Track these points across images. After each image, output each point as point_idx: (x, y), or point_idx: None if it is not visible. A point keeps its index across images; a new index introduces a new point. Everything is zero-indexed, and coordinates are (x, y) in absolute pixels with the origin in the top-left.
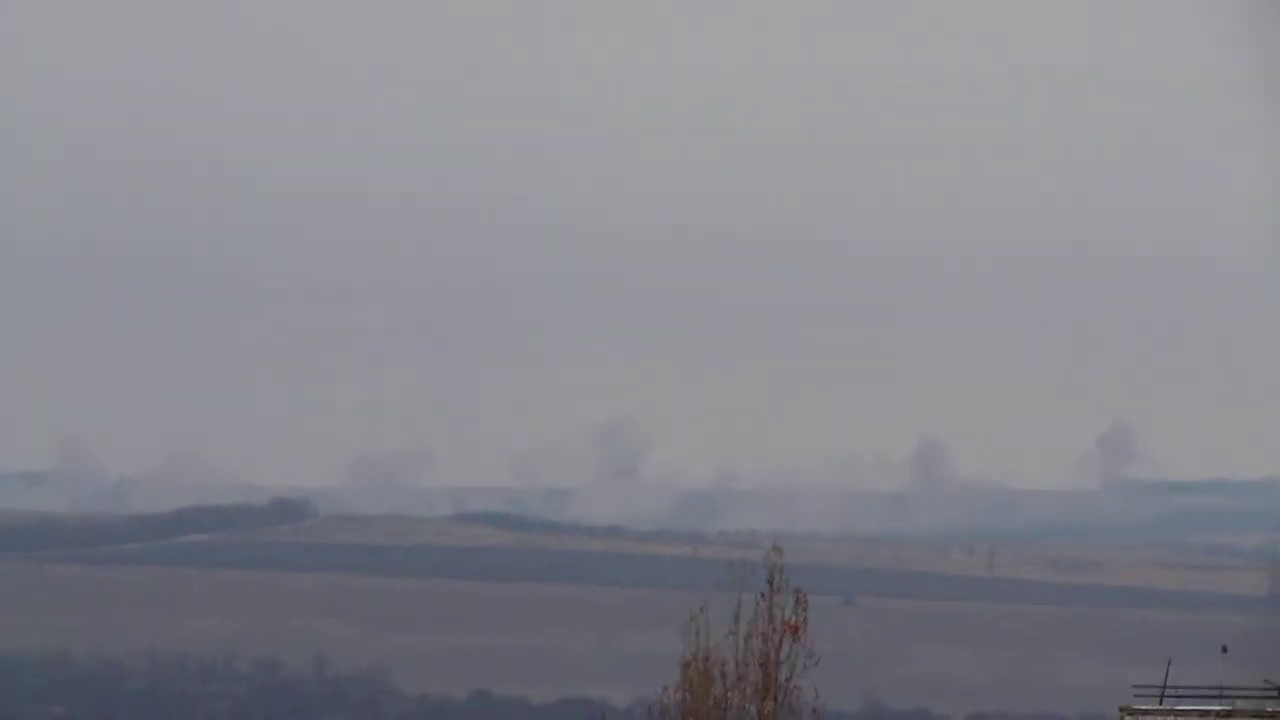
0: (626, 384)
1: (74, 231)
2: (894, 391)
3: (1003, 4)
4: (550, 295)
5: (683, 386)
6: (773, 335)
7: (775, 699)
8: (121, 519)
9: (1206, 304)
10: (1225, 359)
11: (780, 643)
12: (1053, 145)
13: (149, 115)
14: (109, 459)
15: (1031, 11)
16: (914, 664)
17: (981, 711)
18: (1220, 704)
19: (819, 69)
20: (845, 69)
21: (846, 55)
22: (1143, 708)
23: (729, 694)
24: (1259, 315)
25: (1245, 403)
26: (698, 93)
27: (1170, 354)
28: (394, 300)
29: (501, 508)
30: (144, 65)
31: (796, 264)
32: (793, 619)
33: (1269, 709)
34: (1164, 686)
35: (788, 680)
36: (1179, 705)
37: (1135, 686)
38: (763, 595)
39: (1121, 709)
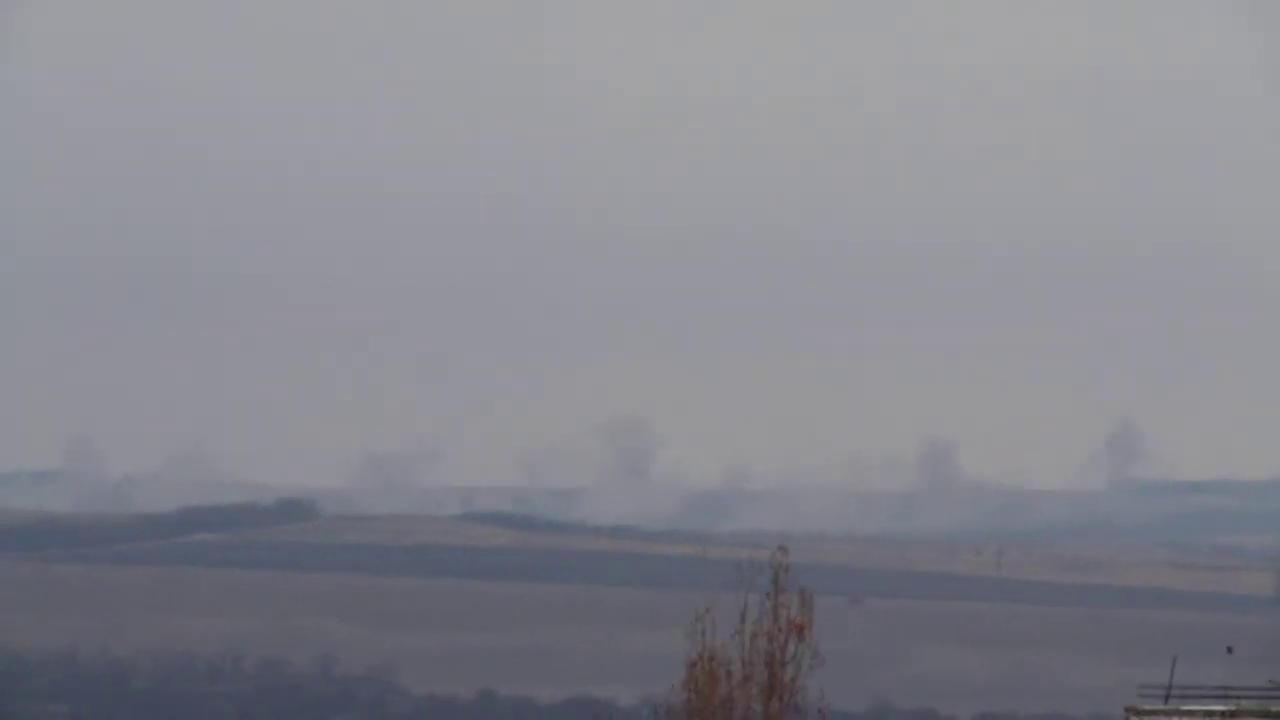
0: (636, 384)
1: (79, 232)
2: (904, 392)
3: (1005, 5)
4: (559, 295)
5: (692, 386)
6: (783, 335)
7: (781, 699)
8: (127, 518)
9: (1215, 304)
10: (1233, 359)
11: (786, 642)
12: (1063, 146)
13: (154, 115)
14: (114, 459)
15: (1034, 12)
16: (920, 664)
17: (988, 711)
18: (1225, 704)
19: (822, 70)
20: (850, 70)
21: (851, 56)
22: (1148, 708)
23: (735, 694)
24: (1267, 315)
25: (1253, 403)
26: (705, 93)
27: (1178, 354)
28: (401, 300)
29: (509, 507)
30: (144, 65)
31: (807, 265)
32: (798, 619)
33: (1274, 709)
34: (1169, 686)
35: (793, 680)
36: (1184, 705)
37: (1141, 686)
38: (768, 595)
39: (1127, 709)
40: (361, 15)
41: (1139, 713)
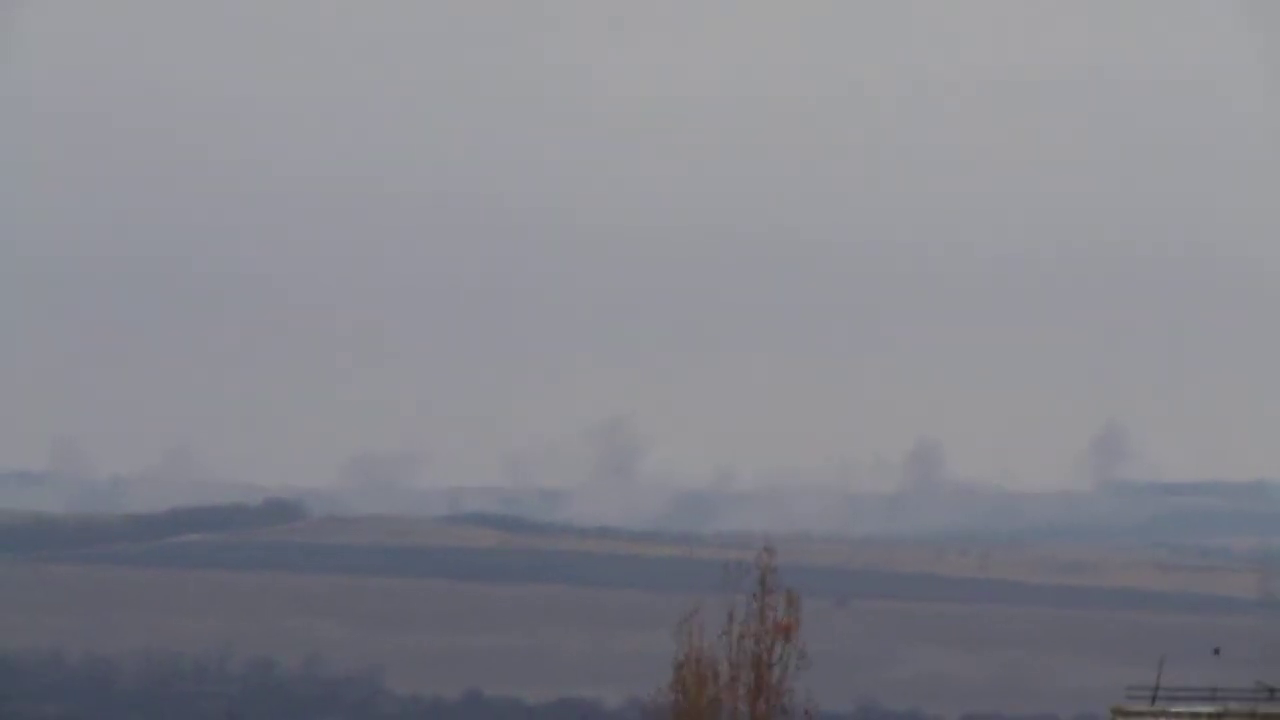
0: (623, 385)
1: (70, 232)
2: (891, 393)
3: (1006, 5)
4: (547, 295)
5: (679, 387)
6: (770, 336)
7: (768, 700)
8: (116, 519)
9: (1203, 307)
10: (1219, 360)
11: (773, 644)
12: (1056, 147)
13: (148, 115)
14: (103, 459)
15: (1034, 12)
16: (907, 665)
17: (974, 713)
18: (1212, 705)
19: (818, 70)
20: (846, 71)
21: (850, 56)
22: (1135, 709)
23: (722, 695)
24: (1255, 317)
25: (1239, 405)
26: (695, 93)
27: (1165, 356)
28: (389, 300)
29: (497, 508)
30: (144, 65)
31: (794, 264)
32: (785, 620)
33: (1261, 710)
34: (1156, 688)
35: (780, 681)
36: (1171, 707)
37: (1128, 688)
38: (755, 596)
39: (1114, 710)
40: (361, 15)
41: (1125, 714)
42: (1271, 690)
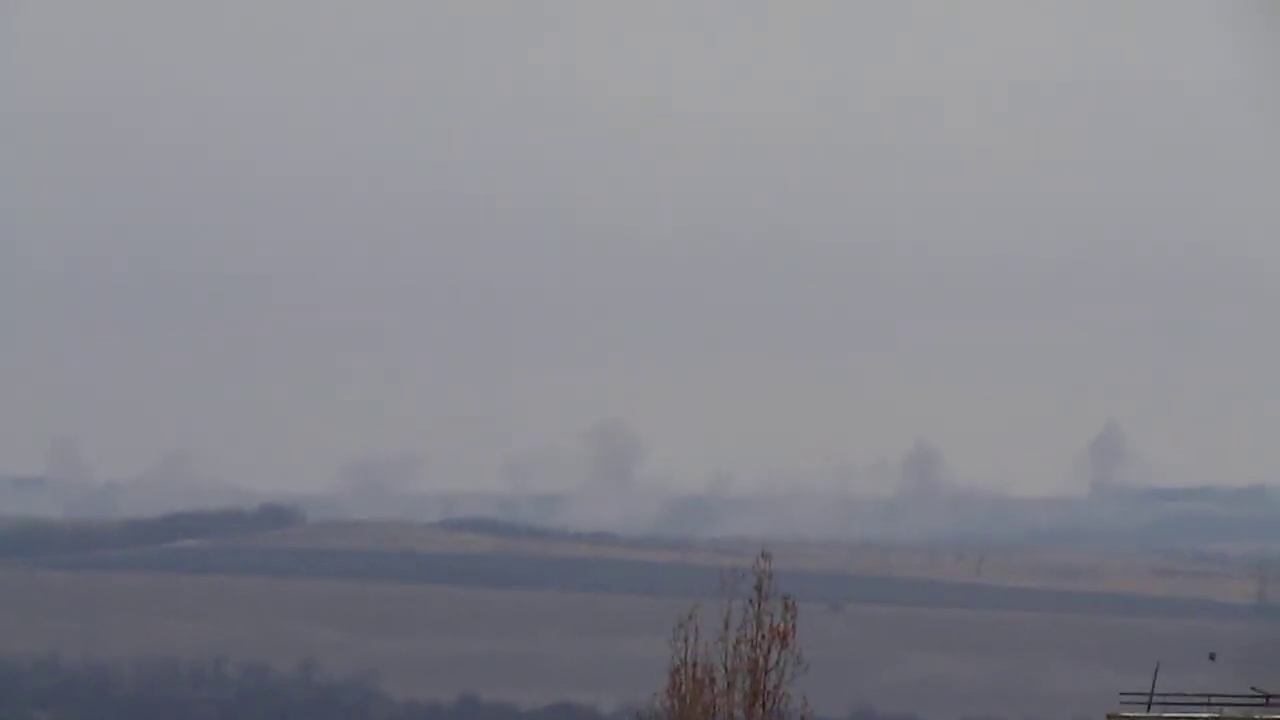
0: (620, 389)
1: (65, 232)
2: (889, 397)
3: (1007, 8)
4: (543, 298)
5: (676, 392)
6: (768, 341)
7: (764, 705)
8: (112, 524)
9: (1201, 310)
10: (1216, 365)
11: (769, 649)
12: (1052, 149)
13: (146, 115)
14: (99, 464)
15: (1034, 13)
16: (903, 670)
17: (971, 717)
18: (1208, 711)
19: (818, 70)
20: (843, 73)
21: (847, 58)
22: (1130, 714)
23: (718, 701)
24: (1254, 321)
25: (1236, 409)
26: (695, 95)
27: (1161, 360)
28: (386, 302)
29: (493, 513)
30: (143, 65)
31: (792, 268)
32: (781, 625)
33: (1256, 716)
34: (1151, 693)
35: (777, 687)
36: (1167, 712)
37: (1123, 693)
38: (751, 601)
39: (1109, 716)
40: (361, 15)
41: (1121, 719)
42: (1267, 696)
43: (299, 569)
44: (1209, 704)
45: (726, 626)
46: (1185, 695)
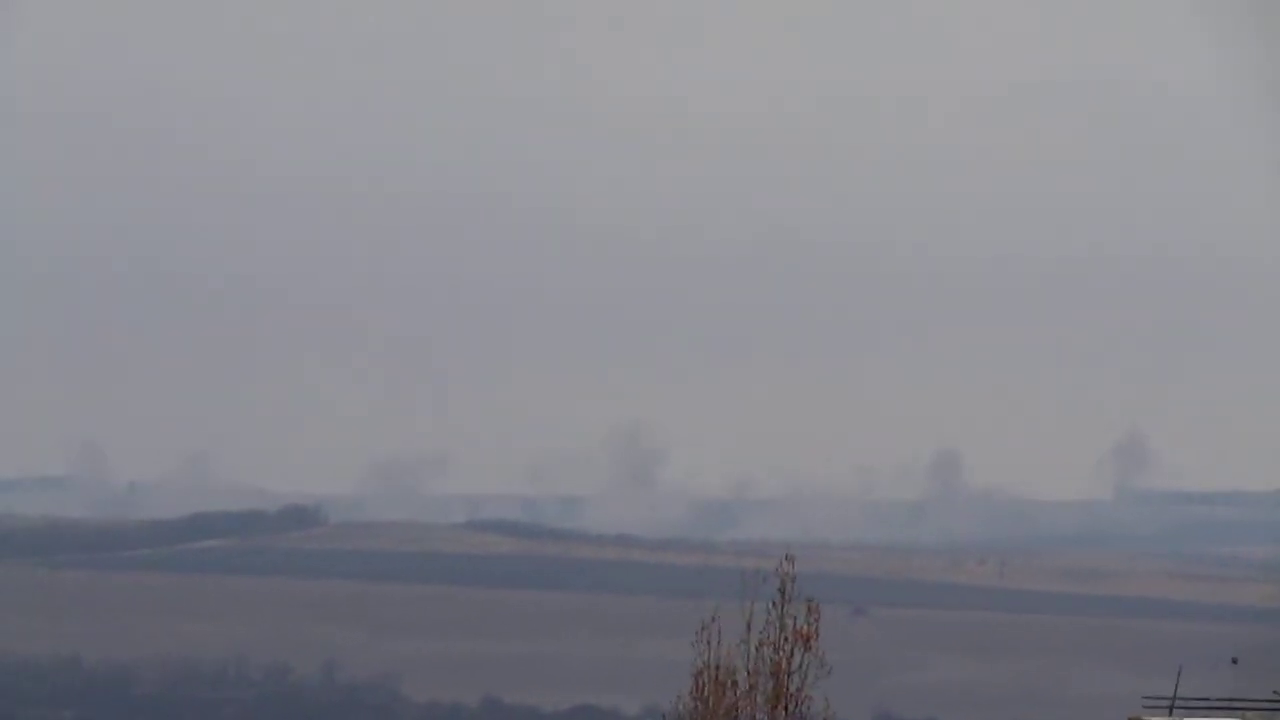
0: (643, 391)
1: (88, 236)
2: (911, 401)
3: (1007, 10)
4: (567, 301)
5: (699, 394)
6: (791, 343)
7: (787, 708)
8: (133, 524)
9: (1222, 312)
10: (1240, 368)
11: (792, 652)
12: (1067, 149)
13: (144, 115)
14: (122, 465)
15: (1033, 14)
16: (925, 673)
17: None
18: (1231, 715)
19: (828, 72)
20: (855, 73)
21: (849, 61)
22: (1152, 719)
23: (740, 703)
24: (1276, 325)
25: (1260, 413)
26: (710, 94)
27: (1185, 363)
28: (408, 306)
29: (516, 514)
30: (143, 65)
31: (814, 273)
32: (804, 628)
33: None
34: (1174, 697)
35: (799, 690)
36: (1189, 716)
37: (1145, 697)
38: (774, 604)
39: (1131, 719)
40: (361, 15)
41: None
42: None
43: (321, 570)
44: (1231, 708)
45: (749, 629)
46: (1208, 700)
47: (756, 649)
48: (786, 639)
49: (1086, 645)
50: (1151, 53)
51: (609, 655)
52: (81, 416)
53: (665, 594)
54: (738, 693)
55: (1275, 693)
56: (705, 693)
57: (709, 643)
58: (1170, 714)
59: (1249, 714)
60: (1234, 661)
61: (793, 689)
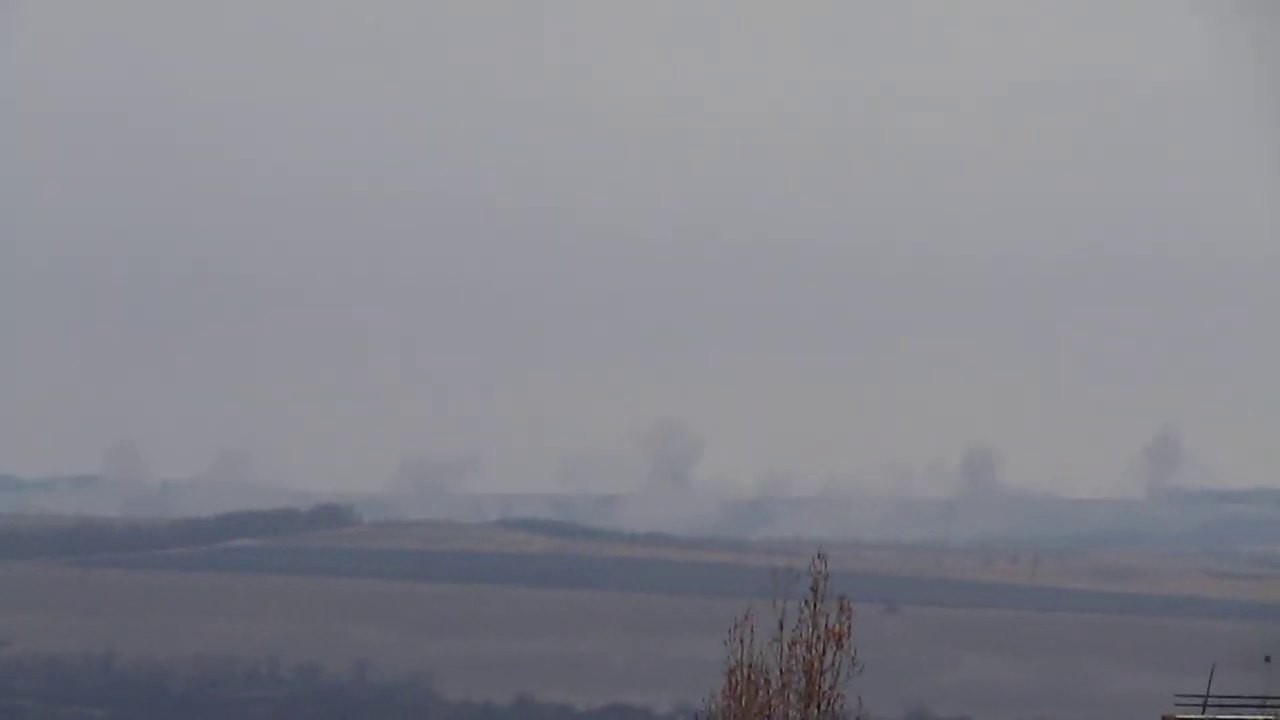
0: (676, 390)
1: (120, 236)
2: (944, 399)
3: (1007, 10)
4: (601, 301)
5: (733, 393)
6: (824, 342)
7: (819, 706)
8: (167, 524)
9: (1256, 310)
10: (1274, 366)
11: (824, 650)
12: (1102, 149)
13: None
14: (155, 464)
15: (1033, 15)
16: (957, 672)
17: (1024, 719)
18: (1262, 713)
19: (853, 74)
20: (894, 71)
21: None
22: (1185, 717)
23: (773, 702)
24: (1252, 320)
25: None
26: (734, 94)
27: (1218, 361)
28: (443, 306)
29: (549, 514)
30: (144, 66)
31: (848, 271)
32: (837, 627)
33: None
34: (1207, 695)
35: (832, 688)
36: (1222, 714)
37: (1178, 695)
38: (806, 603)
39: (1164, 718)
40: (361, 15)
41: None
42: None
43: (354, 569)
44: (1264, 706)
45: (781, 627)
46: (1240, 697)
47: (789, 647)
48: (819, 637)
49: (1119, 643)
50: (1151, 53)
51: (641, 654)
52: (115, 417)
53: (697, 593)
54: (770, 691)
55: None
56: (738, 691)
57: (741, 641)
58: (1203, 712)
59: None
60: (1267, 660)
61: (825, 687)
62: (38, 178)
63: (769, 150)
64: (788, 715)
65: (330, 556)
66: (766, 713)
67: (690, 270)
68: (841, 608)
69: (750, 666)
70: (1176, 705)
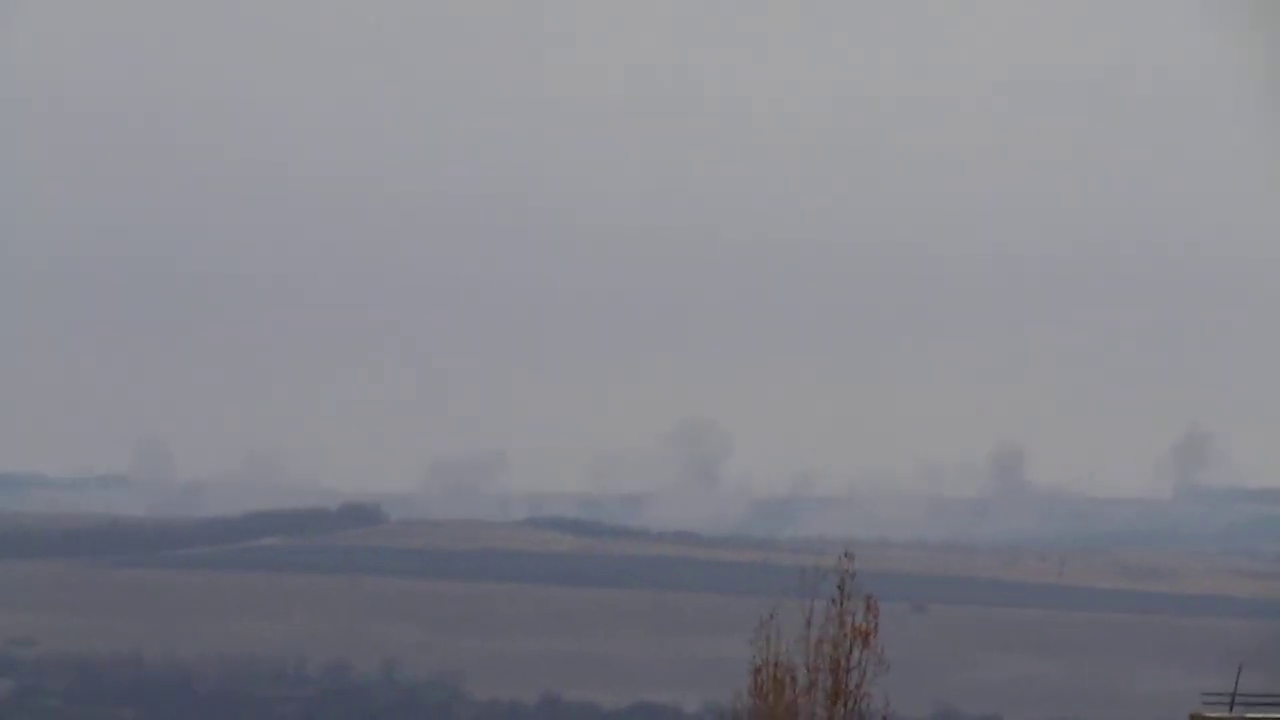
0: (704, 389)
1: (148, 236)
2: (973, 397)
3: (1007, 9)
4: (628, 300)
5: (761, 392)
6: (852, 340)
7: (846, 705)
8: (194, 523)
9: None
10: None
11: (851, 649)
12: (1124, 147)
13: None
14: (183, 463)
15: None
16: (985, 671)
17: (1053, 718)
18: None
19: (874, 71)
20: (921, 69)
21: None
22: (1213, 715)
23: (800, 700)
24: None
25: None
26: (749, 93)
27: (1247, 359)
28: (469, 305)
29: (577, 512)
30: (145, 65)
31: (876, 269)
32: (863, 625)
33: None
34: (1234, 694)
35: (858, 687)
36: (1249, 713)
37: (1205, 694)
38: (834, 601)
39: (1192, 716)
40: (361, 15)
41: (1203, 719)
42: None
43: (381, 568)
44: None
45: (808, 626)
46: (1268, 696)
47: (816, 646)
48: (846, 636)
49: (1146, 642)
50: (1151, 52)
51: (668, 652)
52: (143, 416)
53: (725, 591)
54: (797, 689)
55: None
56: (765, 690)
57: (768, 640)
58: (1230, 710)
59: None
60: None
61: (852, 686)
62: (38, 178)
63: (803, 148)
64: (814, 714)
65: (358, 555)
66: (793, 711)
67: (718, 270)
68: (868, 606)
69: (777, 665)
70: (1204, 703)
